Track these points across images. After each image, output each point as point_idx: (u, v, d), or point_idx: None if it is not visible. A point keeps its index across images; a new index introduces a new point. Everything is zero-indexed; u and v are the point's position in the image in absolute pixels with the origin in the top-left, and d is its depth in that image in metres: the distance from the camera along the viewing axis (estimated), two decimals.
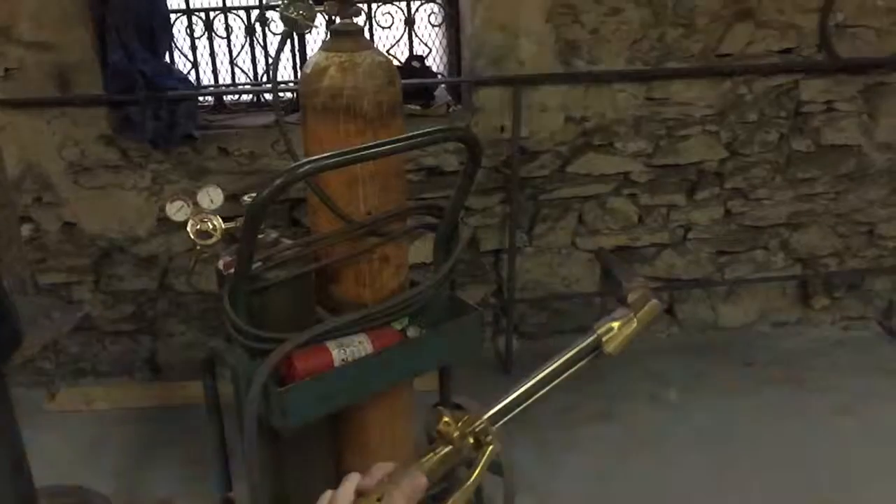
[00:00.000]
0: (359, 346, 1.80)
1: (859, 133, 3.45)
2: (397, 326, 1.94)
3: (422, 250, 2.99)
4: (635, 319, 0.85)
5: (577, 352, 0.85)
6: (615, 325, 0.85)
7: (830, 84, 3.36)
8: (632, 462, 2.89)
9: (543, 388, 0.84)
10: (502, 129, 3.23)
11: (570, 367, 0.85)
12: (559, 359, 0.85)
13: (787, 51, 3.30)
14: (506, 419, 0.83)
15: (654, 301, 0.86)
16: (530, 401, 0.84)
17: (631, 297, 0.86)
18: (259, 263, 1.73)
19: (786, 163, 3.47)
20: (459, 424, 0.79)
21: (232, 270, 1.69)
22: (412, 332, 1.96)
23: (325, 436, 1.99)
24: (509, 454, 2.28)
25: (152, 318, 3.42)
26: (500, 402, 0.82)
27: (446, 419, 0.79)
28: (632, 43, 3.20)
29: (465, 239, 1.68)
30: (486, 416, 0.81)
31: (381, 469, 0.81)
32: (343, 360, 1.77)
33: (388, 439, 2.04)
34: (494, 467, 2.31)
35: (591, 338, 0.85)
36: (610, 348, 0.84)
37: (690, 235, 3.57)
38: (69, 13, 2.94)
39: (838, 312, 3.78)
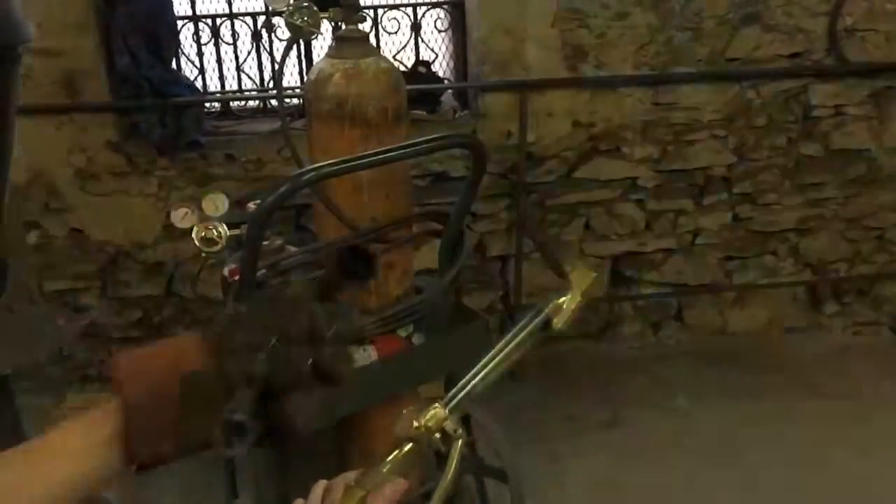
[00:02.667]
0: (363, 353, 1.79)
1: (869, 137, 3.43)
2: (402, 334, 1.92)
3: (427, 256, 2.98)
4: (579, 294, 0.88)
5: (528, 332, 0.87)
6: (561, 301, 0.88)
7: (840, 88, 3.34)
8: (640, 469, 2.87)
9: (498, 371, 0.85)
10: (509, 134, 3.22)
11: (522, 347, 0.86)
12: (511, 341, 0.86)
13: (796, 55, 3.28)
14: (466, 405, 0.83)
15: (594, 274, 0.90)
16: (488, 384, 0.85)
17: (571, 273, 0.89)
18: (264, 270, 1.73)
19: (794, 167, 3.45)
20: (423, 421, 0.80)
21: (237, 277, 1.69)
22: (417, 340, 1.95)
23: (330, 443, 1.98)
24: (516, 461, 2.26)
25: (159, 324, 3.42)
26: (457, 391, 0.83)
27: (416, 424, 0.80)
28: (639, 47, 3.19)
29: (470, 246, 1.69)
30: (447, 409, 0.81)
31: (341, 483, 0.82)
32: None
33: None
34: (501, 475, 2.29)
35: (540, 317, 0.87)
36: (559, 324, 0.87)
37: (698, 241, 3.55)
38: (76, 20, 2.95)
39: (848, 318, 3.76)
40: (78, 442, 0.84)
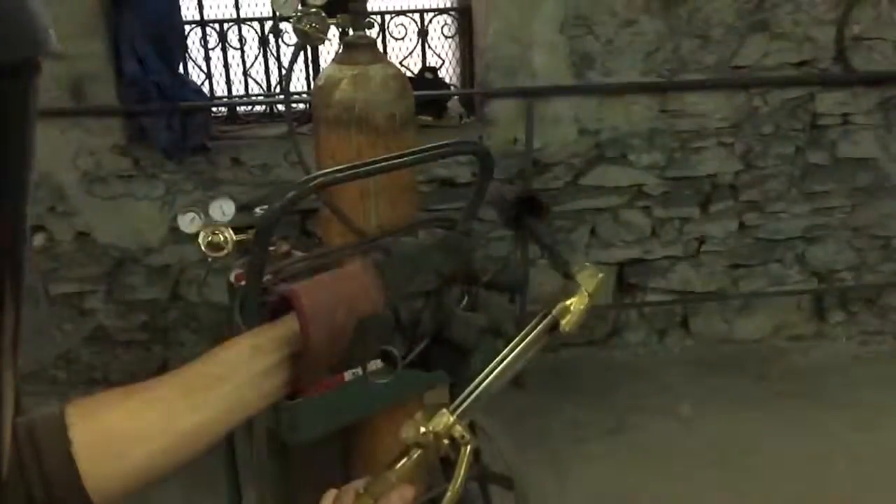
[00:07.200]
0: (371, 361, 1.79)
1: (876, 146, 3.42)
2: None
3: None
4: (587, 295, 0.86)
5: (536, 335, 0.85)
6: (569, 303, 0.86)
7: (847, 97, 3.33)
8: (644, 476, 2.86)
9: (506, 375, 0.84)
10: (515, 141, 3.22)
11: (530, 351, 0.85)
12: (517, 344, 0.85)
13: (803, 63, 3.28)
14: (475, 410, 0.83)
15: (601, 275, 0.88)
16: (495, 389, 0.84)
17: (578, 273, 0.88)
18: (270, 276, 1.72)
19: (801, 176, 3.45)
20: (430, 427, 0.79)
21: (243, 283, 1.69)
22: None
23: (334, 447, 1.98)
24: (521, 468, 2.26)
25: (164, 327, 3.42)
26: (464, 396, 0.82)
27: (422, 430, 0.79)
28: (646, 55, 3.19)
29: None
30: (454, 415, 0.80)
31: (351, 491, 0.82)
32: (354, 373, 1.76)
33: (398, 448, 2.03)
34: (506, 482, 2.28)
35: (547, 319, 0.86)
36: (568, 327, 0.85)
37: (704, 248, 3.54)
38: (84, 24, 2.96)
39: (854, 327, 3.74)
40: (244, 370, 0.83)
